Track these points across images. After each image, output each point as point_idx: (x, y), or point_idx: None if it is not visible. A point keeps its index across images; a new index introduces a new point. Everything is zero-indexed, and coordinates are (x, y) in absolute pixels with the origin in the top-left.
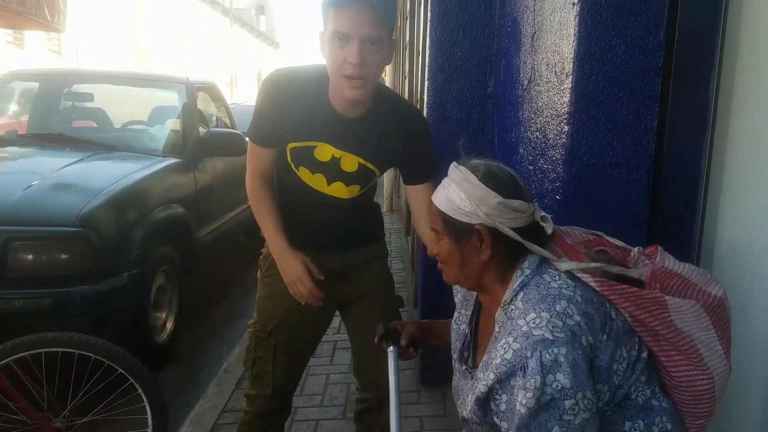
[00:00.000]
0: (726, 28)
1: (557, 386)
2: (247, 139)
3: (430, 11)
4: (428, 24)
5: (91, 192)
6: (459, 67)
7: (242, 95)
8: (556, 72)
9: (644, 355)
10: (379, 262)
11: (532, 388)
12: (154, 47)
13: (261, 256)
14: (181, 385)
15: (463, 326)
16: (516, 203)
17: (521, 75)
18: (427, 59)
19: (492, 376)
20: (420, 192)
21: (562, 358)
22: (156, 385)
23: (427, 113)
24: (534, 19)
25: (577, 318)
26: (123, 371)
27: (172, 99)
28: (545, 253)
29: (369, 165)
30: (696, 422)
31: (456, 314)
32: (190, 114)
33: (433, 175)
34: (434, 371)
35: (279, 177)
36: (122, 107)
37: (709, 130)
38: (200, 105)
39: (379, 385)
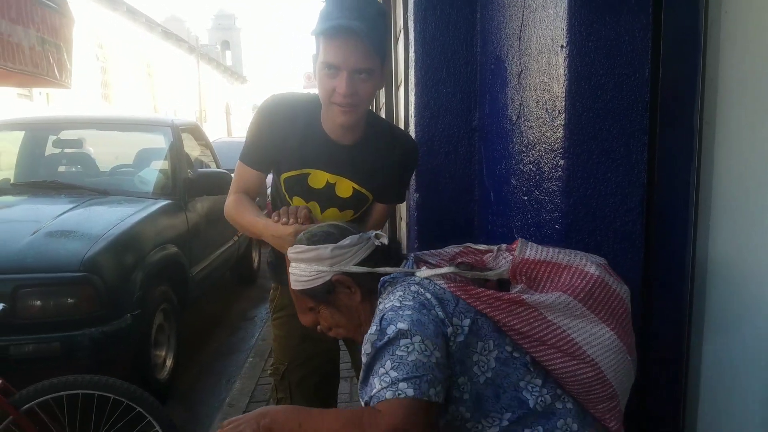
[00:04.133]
0: (706, 63)
1: (393, 330)
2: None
3: (414, 51)
4: (412, 64)
5: (92, 237)
6: (444, 103)
7: (212, 129)
8: (547, 109)
9: (527, 357)
10: None
11: (373, 334)
12: (120, 87)
13: (269, 299)
14: (185, 422)
15: None
16: (346, 241)
17: (509, 110)
18: (413, 97)
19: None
20: (382, 206)
21: (404, 314)
22: (172, 422)
23: None
24: (520, 59)
25: (428, 296)
26: (141, 410)
27: (159, 141)
28: (395, 270)
29: (363, 190)
30: (598, 406)
31: None
32: (178, 155)
33: (403, 198)
34: None
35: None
36: (107, 151)
37: (696, 158)
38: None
39: None
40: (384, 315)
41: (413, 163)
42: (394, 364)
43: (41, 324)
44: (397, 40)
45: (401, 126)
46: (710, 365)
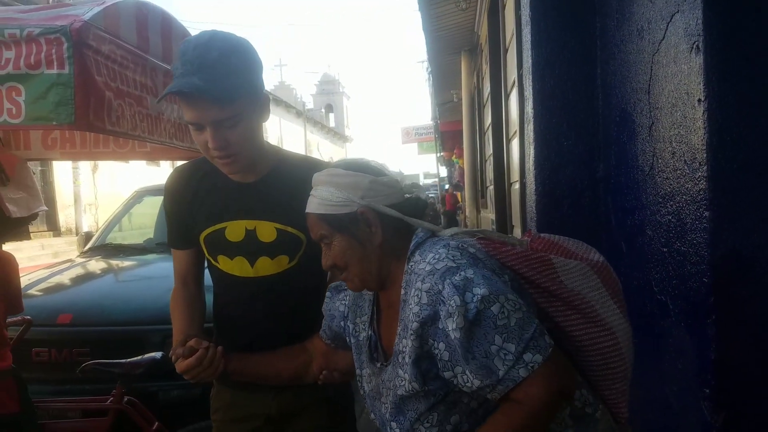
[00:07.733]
0: None
1: (475, 298)
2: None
3: (532, 108)
4: (530, 119)
5: None
6: (566, 155)
7: None
8: (686, 161)
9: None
10: (326, 408)
11: (455, 307)
12: None
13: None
14: None
15: (363, 334)
16: (386, 178)
17: (640, 161)
18: (531, 150)
19: (416, 325)
20: None
21: (470, 275)
22: None
23: (536, 200)
24: (650, 112)
25: (472, 250)
26: None
27: None
28: (426, 224)
29: (289, 229)
30: (613, 386)
31: (350, 326)
32: None
33: None
34: None
35: (213, 282)
36: None
37: None
38: None
39: None
40: (451, 281)
41: None
42: (503, 335)
43: None
44: (508, 94)
45: (514, 178)
46: None
